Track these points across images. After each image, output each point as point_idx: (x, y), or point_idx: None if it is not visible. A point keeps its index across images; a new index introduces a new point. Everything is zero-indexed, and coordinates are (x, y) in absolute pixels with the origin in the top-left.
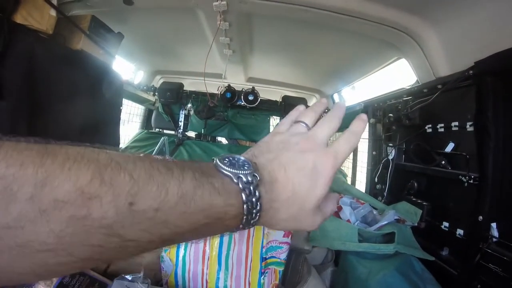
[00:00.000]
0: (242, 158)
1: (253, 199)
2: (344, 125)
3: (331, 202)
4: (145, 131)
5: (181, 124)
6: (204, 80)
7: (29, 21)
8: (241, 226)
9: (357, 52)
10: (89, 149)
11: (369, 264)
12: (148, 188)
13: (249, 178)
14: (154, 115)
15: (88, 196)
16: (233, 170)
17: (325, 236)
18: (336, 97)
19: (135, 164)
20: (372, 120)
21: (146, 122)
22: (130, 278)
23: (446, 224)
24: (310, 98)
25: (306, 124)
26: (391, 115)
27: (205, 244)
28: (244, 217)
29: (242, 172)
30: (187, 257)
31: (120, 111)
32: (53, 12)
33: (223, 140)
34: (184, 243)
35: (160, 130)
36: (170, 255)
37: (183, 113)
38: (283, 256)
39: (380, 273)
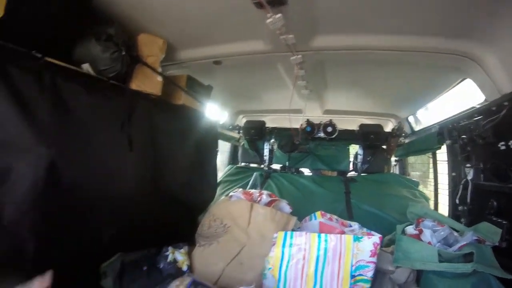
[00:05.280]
0: None
1: None
2: (421, 147)
3: None
4: (235, 166)
5: (266, 158)
6: (290, 118)
7: (142, 87)
8: None
9: (425, 78)
10: None
11: (448, 283)
12: None
13: None
14: (241, 151)
15: None
16: None
17: (407, 258)
18: (411, 119)
19: None
20: (448, 142)
21: (233, 158)
22: None
23: None
24: (386, 123)
25: None
26: (464, 136)
27: (304, 259)
28: None
29: None
30: (288, 274)
31: (216, 152)
32: (159, 78)
33: (306, 170)
34: (286, 259)
35: (247, 164)
36: (273, 272)
37: (268, 147)
38: (370, 274)
39: None
